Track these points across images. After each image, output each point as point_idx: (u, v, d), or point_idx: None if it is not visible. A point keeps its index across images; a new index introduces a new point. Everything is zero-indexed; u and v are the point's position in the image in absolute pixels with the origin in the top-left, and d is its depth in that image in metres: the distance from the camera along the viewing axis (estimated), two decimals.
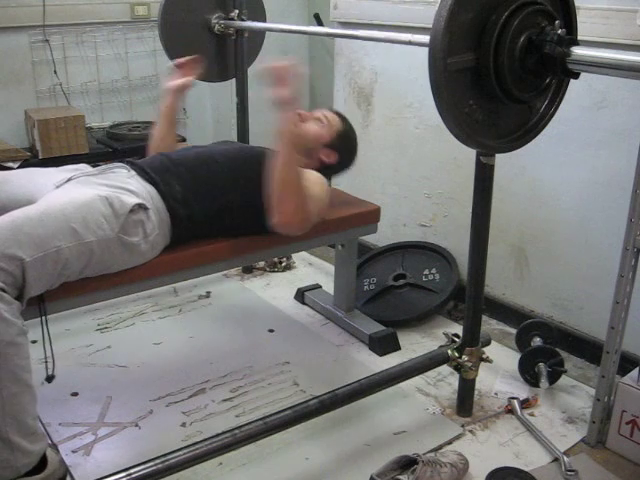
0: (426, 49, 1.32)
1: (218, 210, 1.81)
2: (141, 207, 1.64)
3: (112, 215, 1.57)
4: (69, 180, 1.71)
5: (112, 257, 1.59)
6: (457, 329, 2.05)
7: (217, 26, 2.46)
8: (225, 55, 2.56)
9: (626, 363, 1.89)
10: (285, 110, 1.68)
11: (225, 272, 2.73)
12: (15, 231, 1.40)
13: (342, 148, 2.04)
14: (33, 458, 1.39)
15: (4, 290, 1.34)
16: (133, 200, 1.63)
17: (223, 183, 1.82)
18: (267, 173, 1.72)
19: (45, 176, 1.77)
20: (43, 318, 1.50)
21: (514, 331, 2.26)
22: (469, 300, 1.79)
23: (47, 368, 1.51)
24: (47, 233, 1.45)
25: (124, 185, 1.68)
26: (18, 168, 2.74)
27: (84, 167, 1.86)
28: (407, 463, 1.59)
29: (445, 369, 1.95)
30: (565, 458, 1.69)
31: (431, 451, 1.72)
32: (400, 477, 1.56)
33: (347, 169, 2.15)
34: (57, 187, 1.69)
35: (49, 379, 1.52)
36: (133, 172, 1.78)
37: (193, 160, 1.85)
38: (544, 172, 2.20)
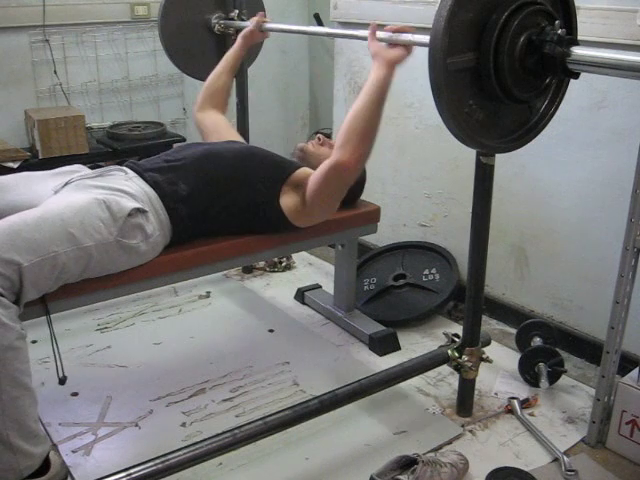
0: (426, 49, 1.32)
1: (223, 207, 1.81)
2: (139, 211, 1.64)
3: (110, 219, 1.57)
4: (67, 184, 1.71)
5: (112, 260, 1.59)
6: (457, 329, 2.05)
7: (217, 26, 2.46)
8: None
9: (626, 363, 1.89)
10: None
11: (225, 272, 2.73)
12: (12, 236, 1.40)
13: None
14: (35, 461, 1.39)
15: (2, 294, 1.35)
16: (131, 204, 1.62)
17: (229, 179, 1.82)
18: (350, 112, 1.67)
19: (43, 181, 1.76)
20: (48, 317, 1.51)
21: (514, 331, 2.26)
22: (469, 300, 1.79)
23: (57, 371, 1.51)
24: (44, 238, 1.44)
25: (122, 187, 1.68)
26: (18, 168, 2.74)
27: (79, 168, 1.86)
28: (407, 463, 1.59)
29: (445, 369, 1.95)
30: (565, 458, 1.69)
31: (431, 451, 1.72)
32: (400, 477, 1.56)
33: (355, 199, 2.16)
34: (56, 192, 1.70)
35: (61, 381, 1.52)
36: (132, 174, 1.77)
37: (200, 156, 1.84)
38: (544, 172, 2.20)
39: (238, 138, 2.16)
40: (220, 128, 2.17)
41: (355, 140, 1.66)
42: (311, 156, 2.02)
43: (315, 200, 1.79)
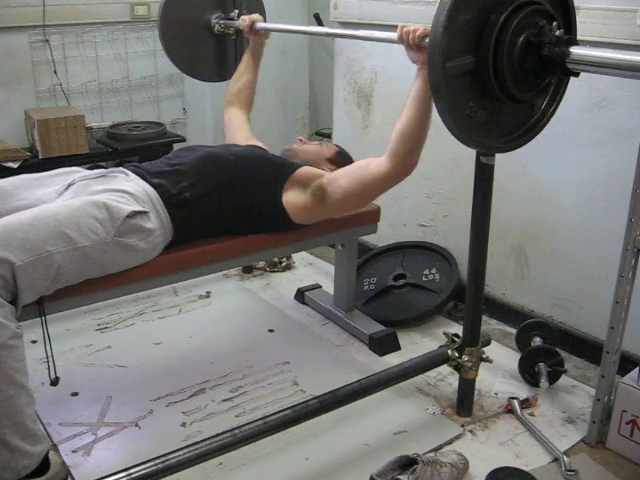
0: None
1: (225, 208, 1.81)
2: (138, 213, 1.63)
3: (108, 219, 1.56)
4: (69, 186, 1.71)
5: (111, 260, 1.59)
6: (457, 329, 2.05)
7: (217, 26, 2.46)
8: (225, 55, 2.55)
9: (626, 363, 1.89)
10: None
11: (225, 272, 2.73)
12: (6, 235, 1.41)
13: (343, 163, 2.05)
14: (33, 460, 1.39)
15: None
16: (130, 207, 1.62)
17: (231, 181, 1.82)
18: (397, 127, 1.70)
19: (42, 184, 1.76)
20: (43, 319, 1.50)
21: (514, 331, 2.26)
22: (469, 300, 1.79)
23: (50, 372, 1.51)
24: (38, 238, 1.44)
25: (123, 188, 1.68)
26: (18, 168, 2.74)
27: (77, 169, 1.85)
28: (407, 463, 1.59)
29: (445, 369, 1.95)
30: (565, 458, 1.69)
31: (431, 451, 1.72)
32: (400, 477, 1.56)
33: None
34: (59, 195, 1.70)
35: (53, 382, 1.52)
36: (133, 176, 1.77)
37: (202, 159, 1.84)
38: (544, 172, 2.20)
39: (253, 141, 2.16)
40: (236, 130, 2.24)
41: (412, 149, 1.69)
42: (299, 152, 2.06)
43: (349, 199, 1.80)
